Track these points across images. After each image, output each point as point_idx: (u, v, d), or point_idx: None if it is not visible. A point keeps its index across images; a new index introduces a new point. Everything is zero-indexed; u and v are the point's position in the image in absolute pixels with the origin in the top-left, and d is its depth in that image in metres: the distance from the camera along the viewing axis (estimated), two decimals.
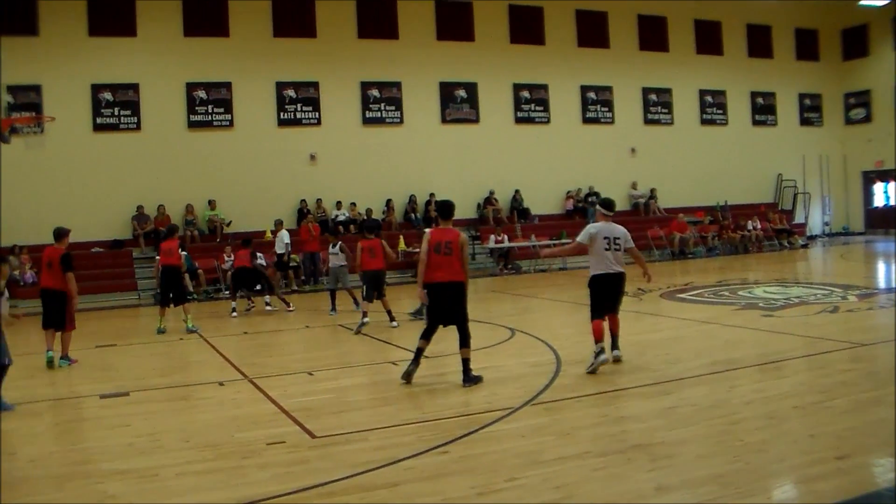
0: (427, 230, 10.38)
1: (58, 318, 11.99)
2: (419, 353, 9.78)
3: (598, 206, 11.31)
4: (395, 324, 14.89)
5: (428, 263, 9.74)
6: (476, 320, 15.07)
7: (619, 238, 10.36)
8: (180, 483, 6.40)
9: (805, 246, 32.33)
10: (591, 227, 10.59)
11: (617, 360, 10.26)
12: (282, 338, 15.06)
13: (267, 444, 7.27)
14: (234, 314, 18.00)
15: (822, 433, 6.84)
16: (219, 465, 6.80)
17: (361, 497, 5.82)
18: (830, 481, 5.69)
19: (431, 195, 28.34)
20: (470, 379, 9.44)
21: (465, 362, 9.50)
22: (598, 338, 9.90)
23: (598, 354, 9.79)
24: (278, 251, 22.80)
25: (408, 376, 9.66)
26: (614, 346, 10.37)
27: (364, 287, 14.91)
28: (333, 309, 17.50)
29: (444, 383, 9.71)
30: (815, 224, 36.51)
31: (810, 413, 7.57)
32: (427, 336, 9.81)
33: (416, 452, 6.79)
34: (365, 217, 26.29)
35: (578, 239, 10.73)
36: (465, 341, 9.70)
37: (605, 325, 10.12)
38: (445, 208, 10.18)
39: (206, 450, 7.23)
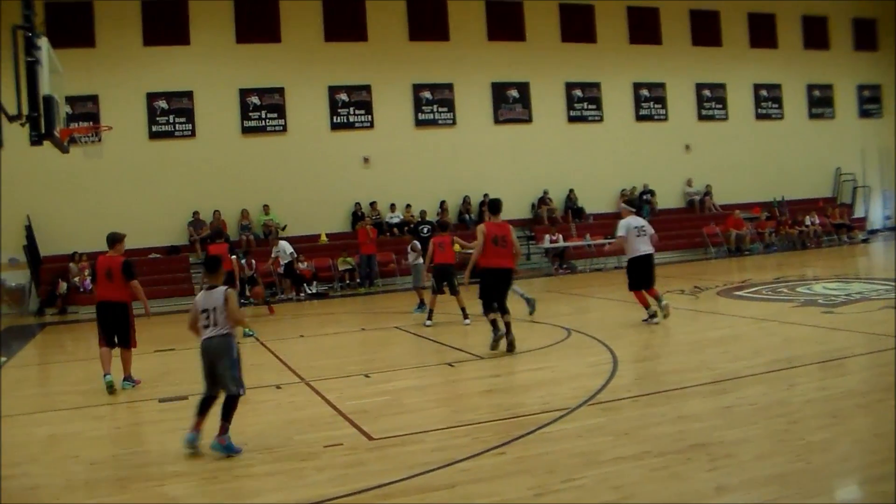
0: (482, 224, 12.27)
1: (120, 334, 10.87)
2: (494, 323, 11.67)
3: (624, 204, 15.53)
4: (467, 321, 15.00)
5: (485, 252, 11.68)
6: (532, 321, 15.11)
7: (644, 227, 14.14)
8: (240, 485, 6.46)
9: (865, 241, 31.75)
10: (625, 222, 14.09)
11: (665, 308, 13.58)
12: (338, 340, 15.14)
13: (325, 447, 7.31)
14: None
15: (887, 432, 6.68)
16: (277, 467, 6.86)
17: (419, 498, 5.83)
18: (894, 482, 5.57)
19: (485, 195, 28.28)
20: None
21: (509, 325, 11.65)
22: (646, 304, 13.83)
23: (653, 316, 13.59)
24: (283, 261, 22.90)
25: (495, 344, 11.64)
26: (659, 301, 13.71)
27: (433, 281, 15.67)
28: (420, 307, 17.32)
29: (500, 385, 9.69)
30: (876, 218, 35.81)
31: (875, 412, 7.41)
32: (491, 309, 11.76)
33: (473, 454, 6.78)
34: (419, 219, 26.47)
35: (619, 234, 14.13)
36: (506, 310, 11.89)
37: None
38: (495, 205, 12.64)
39: (265, 452, 7.29)
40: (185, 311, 18.14)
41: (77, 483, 6.76)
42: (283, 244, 23.15)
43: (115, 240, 11.21)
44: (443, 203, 28.15)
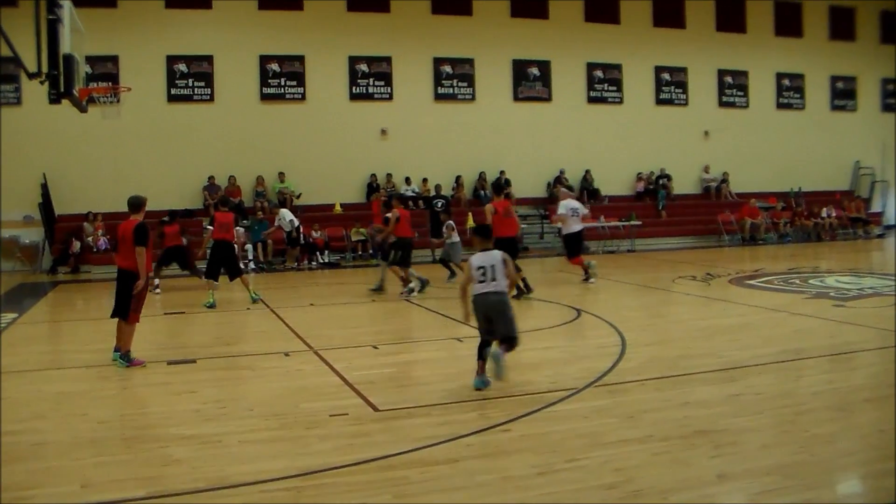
0: (490, 204, 15.09)
1: (121, 303, 9.93)
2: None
3: (563, 188, 20.13)
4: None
5: (497, 225, 13.72)
6: (543, 300, 15.12)
7: (578, 208, 18.10)
8: (243, 450, 6.49)
9: (881, 236, 31.58)
10: (565, 203, 18.12)
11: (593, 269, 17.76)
12: (348, 310, 15.17)
13: (330, 416, 7.34)
14: (158, 291, 17.67)
15: (893, 428, 6.67)
16: (282, 434, 6.89)
17: (422, 472, 5.85)
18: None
19: (501, 172, 28.29)
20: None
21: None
22: (585, 268, 17.72)
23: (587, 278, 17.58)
24: (286, 229, 22.93)
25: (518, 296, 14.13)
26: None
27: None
28: (451, 276, 18.31)
29: (508, 362, 9.68)
30: (893, 214, 35.58)
31: (882, 407, 7.38)
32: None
33: (478, 429, 6.80)
34: (434, 193, 26.51)
35: (560, 212, 18.02)
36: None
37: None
38: (498, 185, 17.11)
39: (270, 419, 7.33)
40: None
41: (83, 441, 6.80)
42: (284, 212, 23.20)
43: (137, 204, 10.25)
44: (458, 178, 28.11)
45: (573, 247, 18.05)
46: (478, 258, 8.44)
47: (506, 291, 8.42)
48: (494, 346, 8.21)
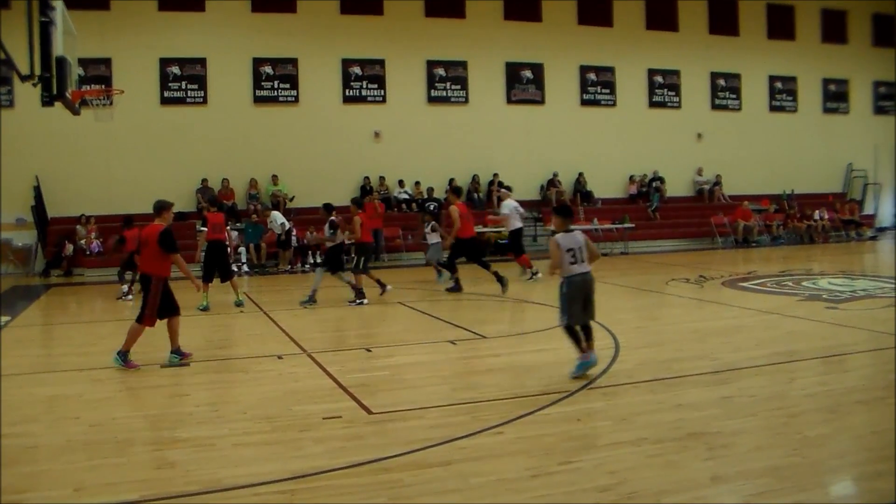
0: (454, 206, 17.15)
1: (142, 305, 10.10)
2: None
3: (504, 189, 22.85)
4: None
5: (464, 226, 16.77)
6: (535, 302, 15.12)
7: (518, 207, 19.82)
8: (237, 453, 6.49)
9: (874, 238, 31.66)
10: (509, 203, 20.07)
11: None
12: (341, 313, 15.14)
13: (323, 419, 7.34)
14: (130, 297, 16.91)
15: (885, 430, 6.69)
16: (275, 437, 6.89)
17: (415, 474, 5.85)
18: (891, 480, 5.57)
19: (495, 175, 28.33)
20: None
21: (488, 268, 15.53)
22: (530, 265, 18.95)
23: (535, 273, 18.70)
24: (276, 232, 22.92)
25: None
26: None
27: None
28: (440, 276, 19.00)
29: (501, 364, 9.70)
30: (885, 216, 35.66)
31: (874, 409, 7.40)
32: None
33: (472, 432, 6.80)
34: (426, 195, 26.52)
35: (504, 212, 19.87)
36: (487, 266, 17.13)
37: None
38: (458, 188, 19.67)
39: (264, 422, 7.32)
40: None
41: (76, 444, 6.79)
42: (275, 215, 23.21)
43: (159, 208, 10.70)
44: (451, 180, 28.08)
45: (518, 244, 19.78)
46: (563, 239, 8.73)
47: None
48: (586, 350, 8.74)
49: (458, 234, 16.97)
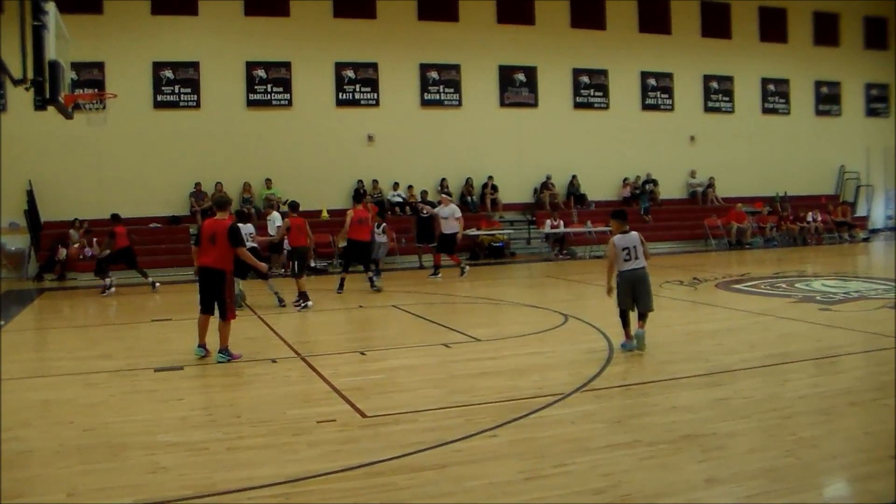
0: (350, 210, 17.92)
1: (218, 303, 10.37)
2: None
3: (445, 195, 22.47)
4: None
5: (357, 230, 17.27)
6: (530, 305, 15.14)
7: (456, 212, 20.80)
8: (231, 457, 6.48)
9: (866, 240, 31.73)
10: (451, 209, 21.12)
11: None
12: (335, 317, 15.16)
13: (317, 422, 7.33)
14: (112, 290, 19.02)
15: (878, 431, 6.71)
16: (269, 440, 6.88)
17: (409, 478, 5.85)
18: (885, 481, 5.58)
19: (489, 178, 28.36)
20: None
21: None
22: (458, 261, 20.95)
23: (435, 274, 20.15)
24: (270, 233, 22.86)
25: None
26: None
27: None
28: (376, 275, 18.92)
29: (495, 367, 9.70)
30: (878, 218, 35.77)
31: (867, 410, 7.42)
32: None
33: (466, 435, 6.80)
34: (420, 199, 26.50)
35: (457, 215, 21.01)
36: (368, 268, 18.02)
37: None
38: (358, 194, 20.05)
39: (258, 425, 7.31)
40: (183, 281, 18.14)
41: (69, 449, 6.77)
42: (275, 215, 23.13)
43: (225, 203, 11.00)
44: (443, 181, 28.08)
45: (453, 245, 21.24)
46: (620, 240, 10.35)
47: (646, 266, 10.43)
48: (636, 326, 10.13)
49: (352, 236, 17.61)
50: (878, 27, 35.51)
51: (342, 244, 17.95)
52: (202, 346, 10.55)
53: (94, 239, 22.59)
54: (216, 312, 10.44)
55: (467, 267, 21.06)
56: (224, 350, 10.38)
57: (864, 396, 7.90)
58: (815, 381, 8.76)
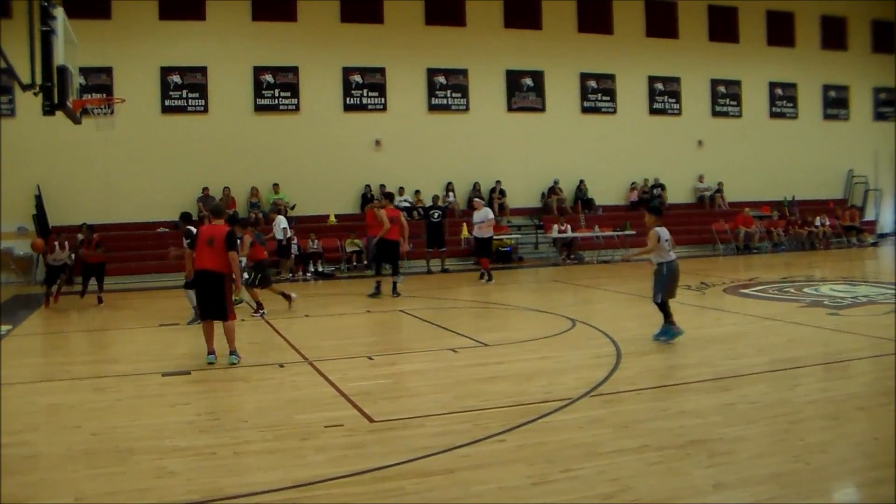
0: (383, 210, 17.94)
1: (218, 305, 10.57)
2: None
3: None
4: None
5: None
6: (537, 310, 15.13)
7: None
8: (237, 462, 6.48)
9: (875, 244, 31.66)
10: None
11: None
12: (343, 321, 15.16)
13: (325, 427, 7.33)
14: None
15: (887, 436, 6.68)
16: (276, 445, 6.88)
17: (417, 483, 5.84)
18: (893, 486, 5.56)
19: (497, 182, 28.37)
20: None
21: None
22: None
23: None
24: (277, 237, 22.92)
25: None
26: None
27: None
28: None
29: (503, 372, 9.69)
30: (887, 222, 35.65)
31: (875, 415, 7.40)
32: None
33: (473, 440, 6.79)
34: (431, 203, 26.55)
35: (490, 218, 21.17)
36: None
37: None
38: (391, 195, 18.23)
39: (265, 430, 7.31)
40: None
41: (77, 453, 6.78)
42: (280, 219, 23.19)
43: (220, 210, 11.25)
44: (449, 184, 28.07)
45: (489, 249, 21.79)
46: (662, 231, 10.98)
47: None
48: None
49: (386, 236, 17.75)
50: (886, 31, 35.38)
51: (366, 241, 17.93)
52: (212, 353, 10.58)
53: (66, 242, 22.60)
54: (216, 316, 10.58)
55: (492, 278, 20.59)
56: (234, 352, 10.55)
57: (873, 401, 7.88)
58: (823, 385, 8.74)
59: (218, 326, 10.58)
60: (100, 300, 18.29)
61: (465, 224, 26.14)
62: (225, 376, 9.97)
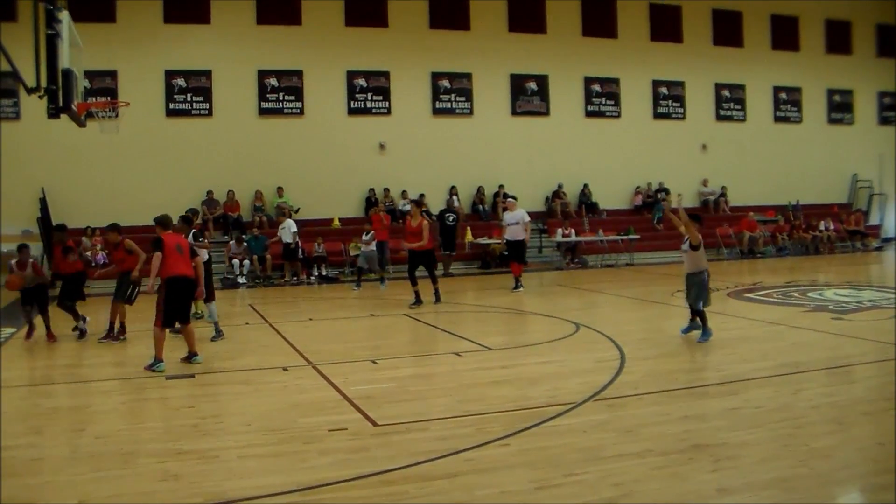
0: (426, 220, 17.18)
1: (187, 310, 11.07)
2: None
3: (510, 199, 20.94)
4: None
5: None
6: (541, 314, 15.12)
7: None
8: (241, 465, 6.49)
9: (879, 249, 31.62)
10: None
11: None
12: (347, 325, 15.16)
13: (329, 431, 7.33)
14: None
15: (891, 441, 6.67)
16: (280, 449, 6.88)
17: (420, 487, 5.84)
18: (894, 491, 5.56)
19: (500, 186, 28.35)
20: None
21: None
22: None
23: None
24: (285, 240, 22.91)
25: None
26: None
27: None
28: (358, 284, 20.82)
29: (507, 376, 9.69)
30: (891, 226, 35.57)
31: (880, 420, 7.39)
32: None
33: (477, 444, 6.79)
34: (446, 207, 26.55)
35: (527, 220, 19.69)
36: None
37: None
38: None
39: (269, 434, 7.32)
40: None
41: (81, 456, 6.80)
42: (289, 223, 23.18)
43: (167, 222, 11.59)
44: (452, 188, 28.06)
45: (522, 252, 19.91)
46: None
47: None
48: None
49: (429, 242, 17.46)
50: (891, 35, 35.31)
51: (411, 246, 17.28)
52: (195, 353, 10.87)
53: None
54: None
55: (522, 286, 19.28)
56: (197, 353, 10.92)
57: (877, 406, 7.87)
58: (827, 390, 8.73)
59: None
60: (49, 336, 13.55)
61: (468, 227, 26.17)
62: (228, 380, 9.98)
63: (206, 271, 13.10)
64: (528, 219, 20.05)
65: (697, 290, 11.60)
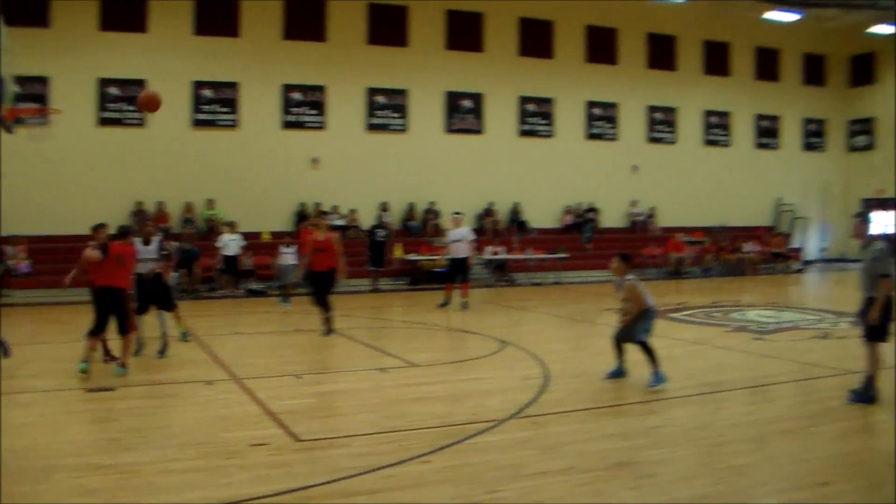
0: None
1: (123, 320, 10.98)
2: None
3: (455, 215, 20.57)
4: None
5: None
6: (466, 331, 15.17)
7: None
8: (161, 480, 6.40)
9: (800, 270, 32.31)
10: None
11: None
12: (272, 340, 15.05)
13: (250, 446, 7.27)
14: None
15: (807, 458, 6.85)
16: (201, 464, 6.81)
17: (340, 503, 5.82)
18: None
19: (431, 203, 28.39)
20: None
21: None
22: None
23: None
24: (229, 253, 22.71)
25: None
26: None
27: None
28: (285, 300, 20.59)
29: (430, 393, 9.71)
30: (812, 249, 36.43)
31: (796, 438, 7.57)
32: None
33: (399, 461, 6.79)
34: (376, 223, 26.44)
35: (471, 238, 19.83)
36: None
37: None
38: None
39: (190, 448, 7.24)
40: None
41: None
42: (234, 236, 22.98)
43: (129, 232, 12.00)
44: (383, 204, 28.02)
45: (466, 269, 20.02)
46: (636, 280, 10.43)
47: None
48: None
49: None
50: (817, 64, 36.33)
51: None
52: (87, 361, 10.66)
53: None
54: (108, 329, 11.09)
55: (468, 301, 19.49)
56: (124, 364, 10.83)
57: (795, 424, 8.06)
58: (747, 409, 8.89)
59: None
60: None
61: (399, 244, 26.18)
62: (151, 393, 9.86)
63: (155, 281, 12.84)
64: (472, 236, 20.35)
65: (639, 324, 10.34)
